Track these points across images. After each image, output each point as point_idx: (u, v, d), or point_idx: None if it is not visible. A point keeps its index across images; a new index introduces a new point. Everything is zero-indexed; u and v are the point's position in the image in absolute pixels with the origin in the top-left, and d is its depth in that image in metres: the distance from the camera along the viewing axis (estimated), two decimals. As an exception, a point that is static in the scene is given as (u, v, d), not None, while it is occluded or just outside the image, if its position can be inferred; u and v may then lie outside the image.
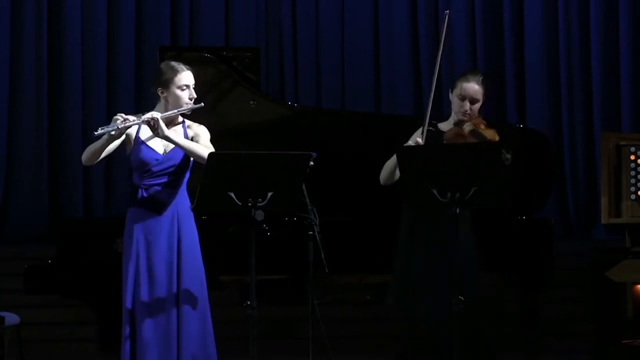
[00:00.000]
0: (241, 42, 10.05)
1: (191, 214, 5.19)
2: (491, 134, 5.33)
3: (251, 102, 6.38)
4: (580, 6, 10.14)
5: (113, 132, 4.99)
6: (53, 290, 6.13)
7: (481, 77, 5.40)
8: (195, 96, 5.21)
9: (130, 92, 10.11)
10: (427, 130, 5.37)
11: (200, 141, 5.20)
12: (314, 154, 4.98)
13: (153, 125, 5.06)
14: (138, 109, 9.86)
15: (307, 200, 5.37)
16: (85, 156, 5.14)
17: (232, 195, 4.90)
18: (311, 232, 5.44)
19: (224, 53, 6.72)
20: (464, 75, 5.43)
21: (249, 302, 4.99)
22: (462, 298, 4.94)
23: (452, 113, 5.43)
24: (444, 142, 5.35)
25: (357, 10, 10.29)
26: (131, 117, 5.08)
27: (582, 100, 10.12)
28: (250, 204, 4.93)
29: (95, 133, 5.00)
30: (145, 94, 9.95)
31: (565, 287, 7.88)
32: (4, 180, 9.98)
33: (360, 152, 6.58)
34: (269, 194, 4.93)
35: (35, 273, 6.07)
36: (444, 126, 5.45)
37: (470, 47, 10.22)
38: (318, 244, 5.42)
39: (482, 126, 5.34)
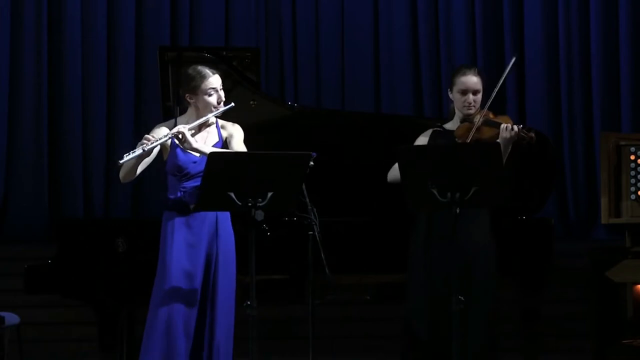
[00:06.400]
0: (241, 42, 10.05)
1: (228, 213, 5.25)
2: (505, 119, 5.32)
3: (251, 102, 6.38)
4: (580, 6, 10.13)
5: (140, 154, 5.02)
6: (53, 290, 6.12)
7: (476, 69, 5.43)
8: (223, 99, 5.23)
9: (130, 92, 10.11)
10: (434, 130, 5.38)
11: (233, 142, 5.24)
12: (314, 154, 4.98)
13: (181, 139, 5.08)
14: (138, 109, 10.00)
15: (307, 200, 5.37)
16: (121, 175, 5.18)
17: (232, 195, 4.91)
18: (311, 232, 5.43)
19: (224, 53, 6.71)
20: (459, 70, 5.46)
21: (249, 302, 4.99)
22: (461, 298, 4.94)
23: (456, 111, 5.43)
24: (456, 139, 5.34)
25: (357, 10, 10.28)
26: (161, 132, 5.13)
27: (582, 100, 10.11)
28: (250, 204, 4.93)
29: (120, 162, 5.01)
30: (145, 94, 9.98)
31: (565, 287, 7.88)
32: (4, 180, 9.97)
33: (360, 152, 6.59)
34: (269, 194, 4.93)
35: (35, 273, 6.07)
36: (450, 126, 5.45)
37: (470, 47, 10.21)
38: (318, 244, 5.42)
39: (491, 115, 5.33)
